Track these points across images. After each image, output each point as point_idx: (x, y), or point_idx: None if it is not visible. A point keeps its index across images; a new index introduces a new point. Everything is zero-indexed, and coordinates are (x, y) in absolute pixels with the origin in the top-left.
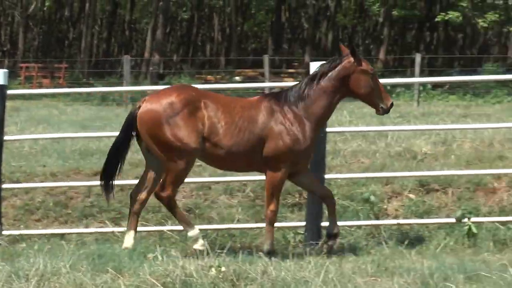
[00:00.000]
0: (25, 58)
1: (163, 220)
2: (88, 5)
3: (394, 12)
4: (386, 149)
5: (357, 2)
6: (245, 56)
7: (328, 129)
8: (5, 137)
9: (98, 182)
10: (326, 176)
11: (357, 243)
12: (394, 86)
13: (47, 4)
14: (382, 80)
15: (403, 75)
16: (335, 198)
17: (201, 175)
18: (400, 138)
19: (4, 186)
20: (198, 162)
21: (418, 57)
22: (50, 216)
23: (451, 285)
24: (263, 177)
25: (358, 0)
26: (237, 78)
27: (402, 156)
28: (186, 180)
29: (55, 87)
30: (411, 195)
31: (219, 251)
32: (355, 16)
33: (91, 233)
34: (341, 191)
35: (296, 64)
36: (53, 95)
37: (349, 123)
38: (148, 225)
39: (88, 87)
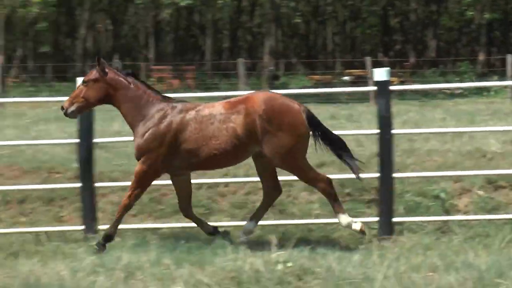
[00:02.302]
0: (158, 62)
1: (247, 215)
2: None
3: (486, 15)
4: (458, 148)
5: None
6: (357, 59)
7: (394, 131)
8: (96, 140)
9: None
10: (398, 174)
11: (428, 238)
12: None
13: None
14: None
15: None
16: (408, 194)
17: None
18: (474, 137)
19: (101, 184)
20: None
21: (509, 58)
22: (145, 212)
23: (504, 281)
24: (341, 175)
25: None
26: (346, 78)
27: (472, 154)
28: None
29: (184, 87)
30: (480, 192)
31: (291, 245)
32: (460, 19)
33: (181, 227)
34: (414, 188)
35: (406, 64)
36: None
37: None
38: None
39: (213, 87)
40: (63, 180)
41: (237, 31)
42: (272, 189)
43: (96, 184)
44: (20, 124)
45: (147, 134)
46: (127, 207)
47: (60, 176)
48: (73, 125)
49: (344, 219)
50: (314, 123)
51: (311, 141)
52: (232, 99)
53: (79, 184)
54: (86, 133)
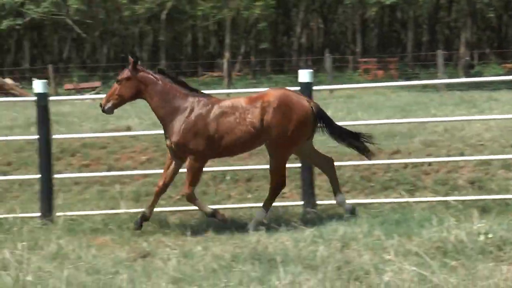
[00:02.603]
0: (364, 55)
1: (449, 191)
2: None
3: None
4: None
5: None
6: None
7: None
8: None
9: (396, 160)
10: None
11: None
12: None
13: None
14: None
15: None
16: None
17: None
18: None
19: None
20: None
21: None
22: (357, 188)
23: None
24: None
25: None
26: None
27: None
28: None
29: (387, 77)
30: None
31: (490, 218)
32: None
33: (389, 203)
34: None
35: None
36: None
37: None
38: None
39: (414, 77)
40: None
41: (435, 26)
42: (324, 162)
43: None
44: None
45: (181, 130)
46: (192, 198)
47: None
48: None
49: (260, 215)
50: (324, 119)
51: None
52: (251, 95)
53: (298, 164)
54: None
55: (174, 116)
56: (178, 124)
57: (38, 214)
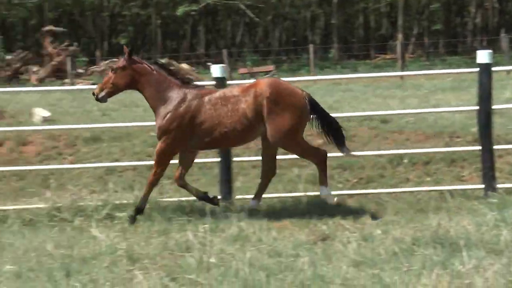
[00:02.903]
0: None
1: None
2: None
3: None
4: None
5: None
6: None
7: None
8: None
9: None
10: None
11: None
12: None
13: None
14: None
15: None
16: None
17: None
18: None
19: (498, 147)
20: None
21: None
22: None
23: None
24: None
25: None
26: None
27: None
28: None
29: None
30: None
31: None
32: None
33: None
34: None
35: None
36: None
37: None
38: None
39: None
40: (463, 143)
41: None
42: (269, 169)
43: (494, 147)
44: (419, 94)
45: (167, 116)
46: (153, 184)
47: (460, 140)
48: (468, 94)
49: (324, 191)
50: (316, 109)
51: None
52: (243, 84)
53: (478, 147)
54: (485, 100)
55: (164, 105)
56: (166, 111)
57: (219, 196)
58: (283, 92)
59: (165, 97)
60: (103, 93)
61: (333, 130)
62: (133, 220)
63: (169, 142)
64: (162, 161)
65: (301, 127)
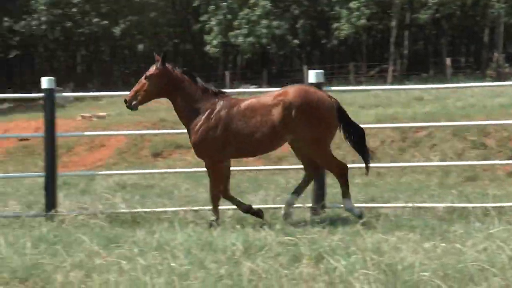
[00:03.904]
0: None
1: None
2: None
3: None
4: None
5: None
6: None
7: None
8: None
9: None
10: None
11: None
12: None
13: None
14: None
15: None
16: None
17: None
18: None
19: None
20: None
21: None
22: None
23: None
24: None
25: None
26: None
27: None
28: None
29: None
30: None
31: None
32: None
33: None
34: None
35: None
36: None
37: None
38: None
39: None
40: None
41: None
42: (314, 167)
43: None
44: None
45: (201, 134)
46: (215, 198)
47: None
48: None
49: (347, 203)
50: (343, 116)
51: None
52: (272, 93)
53: None
54: None
55: (195, 117)
56: (198, 125)
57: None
58: (312, 101)
59: (194, 108)
60: (135, 101)
61: (358, 138)
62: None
63: (214, 156)
64: (218, 177)
65: (329, 136)
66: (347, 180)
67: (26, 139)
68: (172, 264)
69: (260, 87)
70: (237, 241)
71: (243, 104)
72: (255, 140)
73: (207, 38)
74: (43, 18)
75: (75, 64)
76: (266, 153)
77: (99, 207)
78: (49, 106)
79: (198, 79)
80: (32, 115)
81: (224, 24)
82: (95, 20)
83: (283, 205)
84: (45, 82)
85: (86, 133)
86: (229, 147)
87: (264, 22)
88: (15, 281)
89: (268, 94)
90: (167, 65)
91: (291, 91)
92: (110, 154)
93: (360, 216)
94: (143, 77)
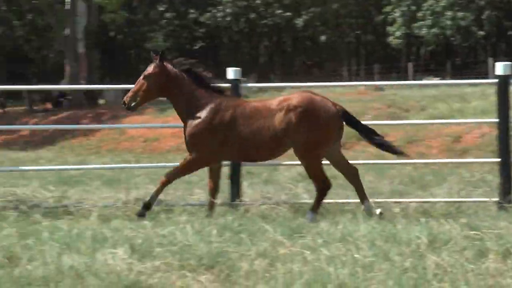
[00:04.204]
0: None
1: None
2: None
3: None
4: None
5: None
6: None
7: None
8: None
9: None
10: None
11: None
12: None
13: None
14: None
15: None
16: None
17: None
18: None
19: None
20: None
21: None
22: None
23: None
24: None
25: None
26: None
27: None
28: None
29: None
30: None
31: None
32: None
33: None
34: None
35: None
36: None
37: None
38: None
39: None
40: None
41: None
42: (348, 171)
43: None
44: None
45: (199, 128)
46: (166, 183)
47: None
48: None
49: (309, 215)
50: (352, 122)
51: None
52: (277, 98)
53: None
54: None
55: (195, 114)
56: (198, 120)
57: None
58: (315, 108)
59: (195, 106)
60: (134, 102)
61: (376, 136)
62: (142, 215)
63: (200, 155)
64: (187, 170)
65: (326, 145)
66: (323, 198)
67: None
68: (356, 256)
69: (443, 79)
70: (422, 234)
71: (248, 106)
72: (256, 144)
73: (390, 29)
74: (228, 10)
75: (257, 55)
76: (264, 161)
77: (282, 197)
78: (236, 93)
79: (202, 77)
80: None
81: (408, 15)
82: (278, 11)
83: (467, 199)
84: (231, 72)
85: None
86: (226, 148)
87: (449, 13)
88: (201, 268)
89: (274, 98)
90: (165, 63)
91: (296, 96)
92: None
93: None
94: (141, 76)
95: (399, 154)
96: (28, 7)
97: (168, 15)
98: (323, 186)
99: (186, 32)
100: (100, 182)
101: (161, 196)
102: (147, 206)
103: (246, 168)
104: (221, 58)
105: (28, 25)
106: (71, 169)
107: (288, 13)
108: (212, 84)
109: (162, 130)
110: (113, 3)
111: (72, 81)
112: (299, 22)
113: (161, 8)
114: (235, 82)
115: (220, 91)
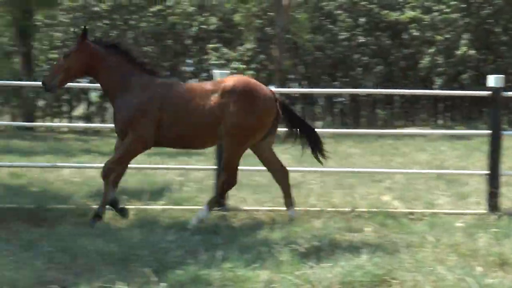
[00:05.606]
0: None
1: None
2: None
3: None
4: None
5: None
6: None
7: None
8: None
9: None
10: None
11: None
12: None
13: None
14: None
15: None
16: None
17: None
18: None
19: None
20: None
21: None
22: None
23: None
24: None
25: None
26: None
27: None
28: None
29: None
30: None
31: None
32: None
33: None
34: None
35: None
36: None
37: None
38: None
39: None
40: None
41: None
42: (278, 170)
43: None
44: None
45: (130, 107)
46: (110, 171)
47: None
48: None
49: (202, 212)
50: (287, 110)
51: None
52: (214, 80)
53: None
54: None
55: (123, 94)
56: (128, 101)
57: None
58: (252, 90)
59: (123, 84)
60: (54, 82)
61: (311, 134)
62: (94, 223)
63: (138, 135)
64: (127, 155)
65: (259, 131)
66: (222, 196)
67: None
68: None
69: None
70: None
71: (183, 86)
72: (191, 125)
73: None
74: None
75: None
76: (200, 148)
77: None
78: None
79: (133, 54)
80: None
81: None
82: None
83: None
84: (492, 80)
85: None
86: (162, 130)
87: None
88: None
89: (212, 81)
90: (87, 41)
91: (233, 78)
92: None
93: (200, 221)
94: (62, 56)
95: (322, 159)
96: None
97: None
98: (227, 183)
99: None
100: None
101: None
102: (99, 214)
103: None
104: None
105: None
106: None
107: None
108: (142, 61)
109: None
110: None
111: None
112: None
113: None
114: (496, 90)
115: (153, 70)
